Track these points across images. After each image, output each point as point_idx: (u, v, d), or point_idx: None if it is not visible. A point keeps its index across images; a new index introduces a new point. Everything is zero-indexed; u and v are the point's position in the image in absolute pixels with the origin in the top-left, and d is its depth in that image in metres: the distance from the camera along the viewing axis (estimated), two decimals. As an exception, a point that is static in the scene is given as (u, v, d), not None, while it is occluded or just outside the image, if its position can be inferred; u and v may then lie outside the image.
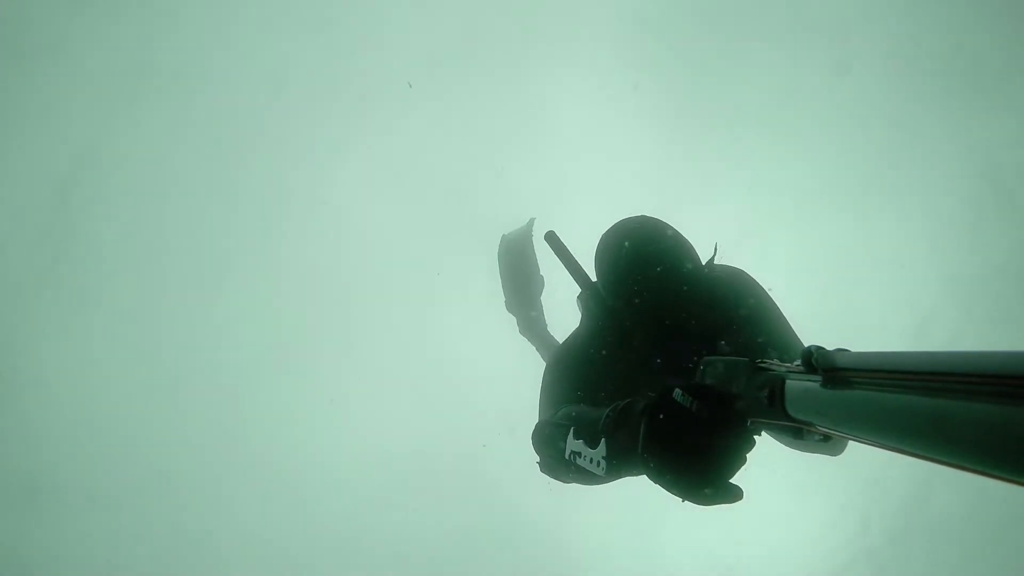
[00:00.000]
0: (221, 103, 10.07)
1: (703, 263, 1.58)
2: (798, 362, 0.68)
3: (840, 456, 1.44)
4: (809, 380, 0.66)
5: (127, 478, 9.59)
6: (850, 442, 1.40)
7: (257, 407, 10.25)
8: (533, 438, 1.30)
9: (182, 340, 10.21)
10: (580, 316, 1.78)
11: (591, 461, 0.99)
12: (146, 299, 10.12)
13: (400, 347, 10.61)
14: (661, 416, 0.83)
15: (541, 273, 3.01)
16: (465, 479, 9.81)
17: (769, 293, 1.64)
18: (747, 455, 0.83)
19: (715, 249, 1.62)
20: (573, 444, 1.06)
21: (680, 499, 0.85)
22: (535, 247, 3.01)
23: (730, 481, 0.82)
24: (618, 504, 8.16)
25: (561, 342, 1.77)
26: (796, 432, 0.70)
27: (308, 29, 10.15)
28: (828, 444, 1.37)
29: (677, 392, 0.82)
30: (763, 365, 0.81)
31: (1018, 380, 0.40)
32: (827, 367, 0.62)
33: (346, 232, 10.66)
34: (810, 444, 1.38)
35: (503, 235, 3.14)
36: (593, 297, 1.61)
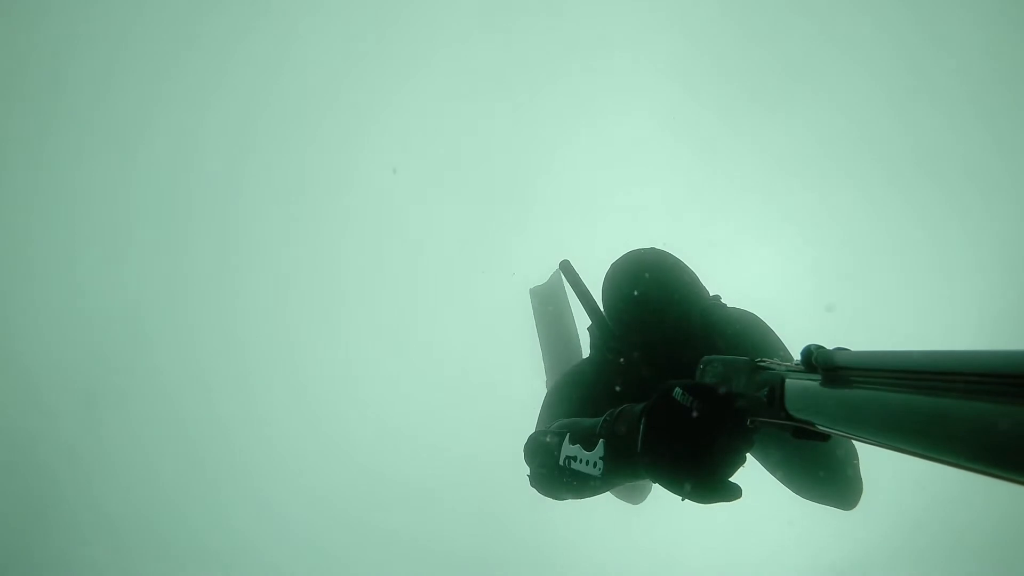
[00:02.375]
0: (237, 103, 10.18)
1: (710, 298, 1.57)
2: (798, 361, 0.68)
3: (852, 507, 1.39)
4: (809, 379, 0.66)
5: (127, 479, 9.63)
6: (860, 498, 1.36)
7: (257, 406, 10.28)
8: (525, 448, 1.28)
9: (186, 337, 10.26)
10: (589, 346, 1.75)
11: (587, 463, 0.98)
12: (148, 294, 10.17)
13: (404, 346, 10.63)
14: (661, 415, 0.83)
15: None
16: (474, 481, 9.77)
17: (780, 338, 1.59)
18: (746, 454, 0.83)
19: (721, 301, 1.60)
20: (569, 449, 1.04)
21: (680, 497, 0.85)
22: (569, 299, 2.84)
23: (729, 480, 0.82)
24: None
25: (566, 371, 1.76)
26: (796, 431, 0.70)
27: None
28: (839, 496, 1.35)
29: (677, 391, 0.82)
30: (763, 364, 0.81)
31: (1017, 379, 0.40)
32: (827, 366, 0.62)
33: (352, 229, 10.71)
34: (818, 492, 1.36)
35: (532, 289, 3.00)
36: (600, 328, 1.58)
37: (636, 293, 1.49)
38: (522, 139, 10.59)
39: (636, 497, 1.91)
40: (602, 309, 1.60)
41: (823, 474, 1.33)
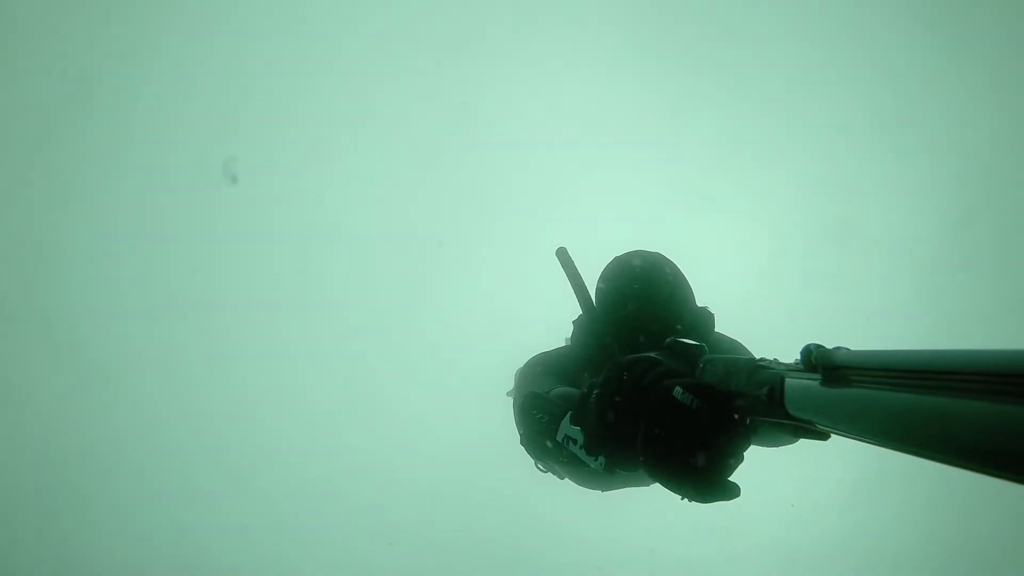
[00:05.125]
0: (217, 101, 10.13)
1: (700, 308, 1.66)
2: (798, 360, 0.69)
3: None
4: (808, 378, 0.66)
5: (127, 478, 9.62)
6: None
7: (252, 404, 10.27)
8: (522, 409, 1.25)
9: (178, 336, 10.25)
10: (572, 335, 1.79)
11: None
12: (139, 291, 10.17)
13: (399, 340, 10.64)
14: (662, 414, 0.84)
15: None
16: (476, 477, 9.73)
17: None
18: (744, 453, 0.83)
19: (713, 319, 1.68)
20: (569, 429, 1.03)
21: (680, 496, 0.86)
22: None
23: (728, 479, 0.82)
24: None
25: (548, 351, 1.79)
26: (796, 430, 0.70)
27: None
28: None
29: (678, 390, 0.82)
30: (763, 364, 0.81)
31: (1018, 378, 0.40)
32: (826, 365, 0.62)
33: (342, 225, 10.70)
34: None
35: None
36: (587, 316, 1.64)
37: (636, 287, 1.58)
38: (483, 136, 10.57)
39: (605, 485, 1.90)
40: (593, 299, 1.67)
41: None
